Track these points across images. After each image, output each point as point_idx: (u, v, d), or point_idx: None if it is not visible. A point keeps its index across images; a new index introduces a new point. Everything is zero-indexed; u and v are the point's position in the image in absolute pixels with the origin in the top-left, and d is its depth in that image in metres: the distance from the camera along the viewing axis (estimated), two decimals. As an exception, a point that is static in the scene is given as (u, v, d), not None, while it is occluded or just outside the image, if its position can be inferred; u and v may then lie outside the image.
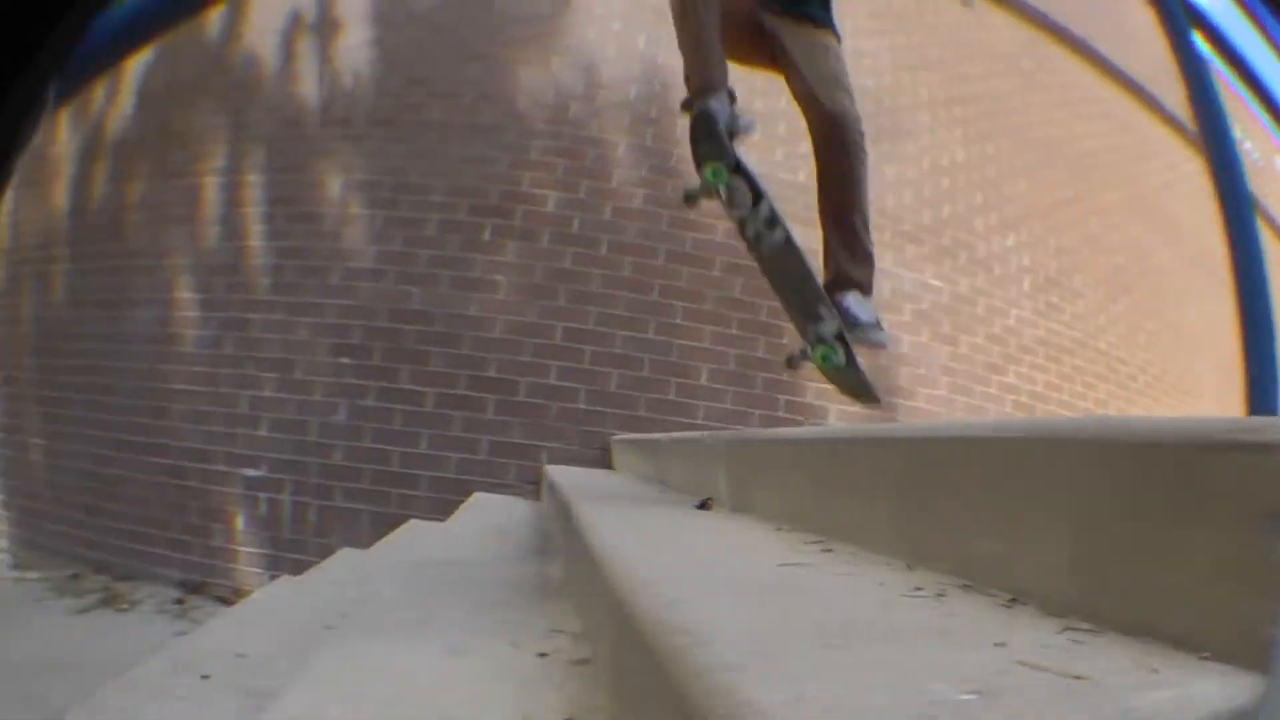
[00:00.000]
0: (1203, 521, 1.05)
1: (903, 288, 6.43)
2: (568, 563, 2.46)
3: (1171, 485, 1.11)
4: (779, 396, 5.96)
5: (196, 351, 6.32)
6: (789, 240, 3.14)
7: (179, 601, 5.72)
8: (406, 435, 5.64)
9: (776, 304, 5.78)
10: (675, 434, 4.73)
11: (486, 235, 5.92)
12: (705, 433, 4.62)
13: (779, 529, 2.32)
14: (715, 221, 5.92)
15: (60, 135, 7.88)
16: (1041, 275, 7.22)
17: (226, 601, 5.61)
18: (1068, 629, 1.16)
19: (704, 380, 5.85)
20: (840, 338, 3.06)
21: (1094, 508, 1.26)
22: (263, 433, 5.90)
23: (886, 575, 1.61)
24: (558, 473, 4.78)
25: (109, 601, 5.79)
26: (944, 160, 7.02)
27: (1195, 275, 8.57)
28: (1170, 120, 8.75)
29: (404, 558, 3.32)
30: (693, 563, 1.86)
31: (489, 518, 4.37)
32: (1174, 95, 8.81)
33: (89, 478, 6.70)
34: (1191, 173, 8.93)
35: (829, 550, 1.93)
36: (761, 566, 1.77)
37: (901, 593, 1.45)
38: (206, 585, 5.93)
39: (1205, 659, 0.99)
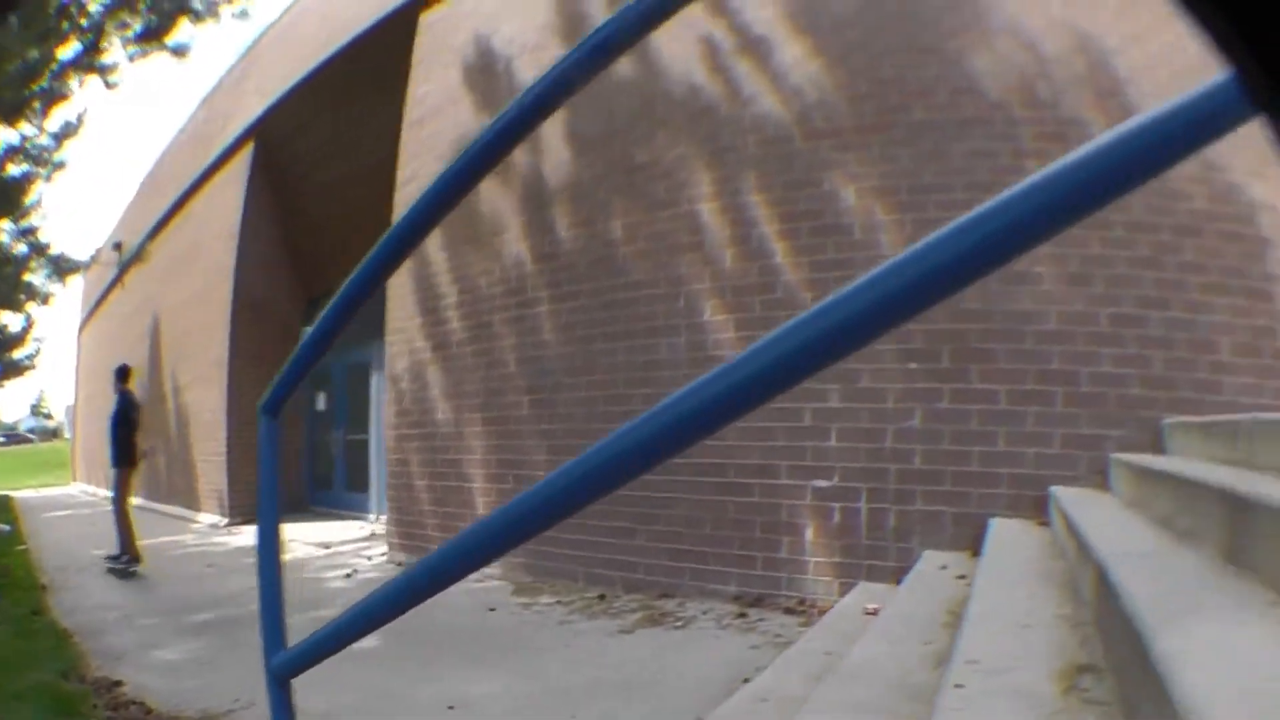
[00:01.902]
0: None
1: None
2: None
3: None
4: None
5: None
6: None
7: (741, 615, 6.06)
8: (984, 435, 5.92)
9: (1267, 269, 6.36)
10: (1260, 415, 4.44)
11: None
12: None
13: None
14: (1196, 188, 6.39)
15: (483, 193, 8.51)
16: None
17: (792, 613, 6.01)
18: None
19: (1226, 355, 6.14)
20: None
21: None
22: (832, 443, 6.23)
23: None
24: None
25: (656, 620, 6.18)
26: None
27: None
28: None
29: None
30: None
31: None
32: None
33: (619, 502, 6.78)
34: None
35: None
36: None
37: None
38: (768, 598, 6.31)
39: None
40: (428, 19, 10.31)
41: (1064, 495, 5.14)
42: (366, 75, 11.83)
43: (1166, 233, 6.36)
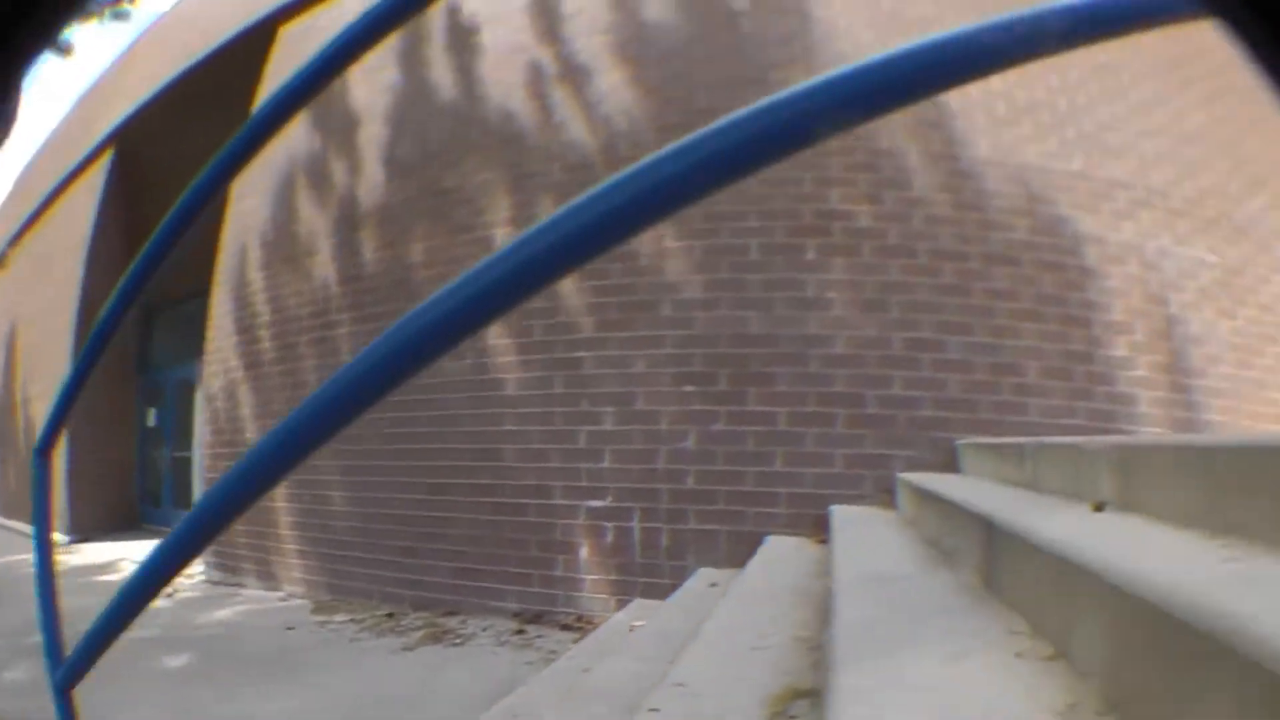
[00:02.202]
0: None
1: (1182, 265, 6.88)
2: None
3: None
4: (1097, 388, 6.38)
5: (524, 393, 6.73)
6: None
7: (519, 632, 6.22)
8: (761, 455, 6.04)
9: (1082, 295, 6.45)
10: (1045, 439, 4.75)
11: (810, 254, 6.29)
12: (1083, 438, 4.47)
13: (1176, 529, 2.27)
14: (1015, 220, 6.53)
15: (302, 214, 8.76)
16: (1297, 233, 7.64)
17: (569, 629, 6.19)
18: None
19: (1031, 378, 6.24)
20: None
21: None
22: (605, 464, 6.36)
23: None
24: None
25: (438, 637, 6.31)
26: (1188, 127, 7.37)
27: None
28: None
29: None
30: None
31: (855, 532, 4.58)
32: None
33: (404, 521, 7.17)
34: None
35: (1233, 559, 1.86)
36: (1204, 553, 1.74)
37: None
38: (546, 614, 6.45)
39: None
40: (286, 32, 10.25)
41: (840, 513, 5.30)
42: (225, 88, 11.63)
43: (975, 260, 6.43)
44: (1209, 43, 7.75)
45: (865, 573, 3.01)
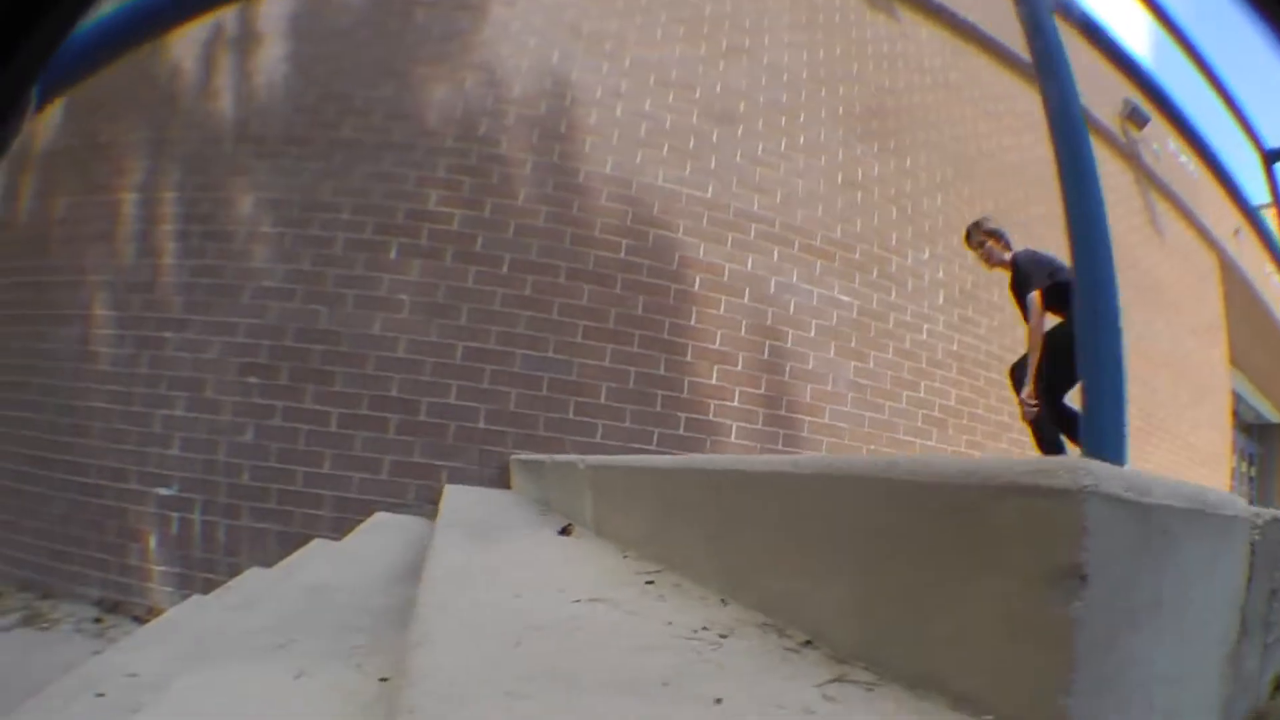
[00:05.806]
0: (989, 571, 1.02)
1: (809, 303, 7.04)
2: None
3: (957, 530, 1.09)
4: (679, 414, 6.50)
5: (113, 370, 6.61)
6: None
7: (97, 620, 6.20)
8: (311, 455, 6.14)
9: (680, 321, 6.57)
10: (557, 456, 5.01)
11: (392, 254, 6.35)
12: (577, 456, 4.70)
13: (625, 555, 2.57)
14: (619, 239, 6.62)
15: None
16: (956, 289, 7.79)
17: (141, 620, 6.03)
18: (838, 680, 1.16)
19: (603, 399, 6.34)
20: None
21: (878, 549, 1.28)
22: (174, 452, 6.37)
23: (689, 611, 1.74)
24: (451, 494, 5.31)
25: (30, 620, 6.24)
26: (857, 174, 7.59)
27: (1123, 288, 8.88)
28: (1100, 131, 9.06)
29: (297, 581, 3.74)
30: (492, 602, 1.94)
31: (382, 538, 4.81)
32: (1108, 106, 9.36)
33: (9, 495, 7.03)
34: (1124, 182, 9.45)
35: (651, 582, 2.11)
36: (561, 602, 1.89)
37: (682, 634, 1.53)
38: (124, 604, 6.41)
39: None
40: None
41: (383, 520, 5.61)
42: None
43: (562, 275, 6.56)
44: (899, 103, 8.01)
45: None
